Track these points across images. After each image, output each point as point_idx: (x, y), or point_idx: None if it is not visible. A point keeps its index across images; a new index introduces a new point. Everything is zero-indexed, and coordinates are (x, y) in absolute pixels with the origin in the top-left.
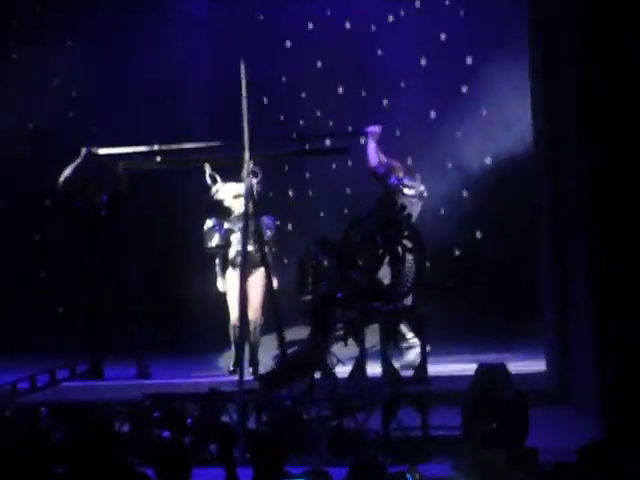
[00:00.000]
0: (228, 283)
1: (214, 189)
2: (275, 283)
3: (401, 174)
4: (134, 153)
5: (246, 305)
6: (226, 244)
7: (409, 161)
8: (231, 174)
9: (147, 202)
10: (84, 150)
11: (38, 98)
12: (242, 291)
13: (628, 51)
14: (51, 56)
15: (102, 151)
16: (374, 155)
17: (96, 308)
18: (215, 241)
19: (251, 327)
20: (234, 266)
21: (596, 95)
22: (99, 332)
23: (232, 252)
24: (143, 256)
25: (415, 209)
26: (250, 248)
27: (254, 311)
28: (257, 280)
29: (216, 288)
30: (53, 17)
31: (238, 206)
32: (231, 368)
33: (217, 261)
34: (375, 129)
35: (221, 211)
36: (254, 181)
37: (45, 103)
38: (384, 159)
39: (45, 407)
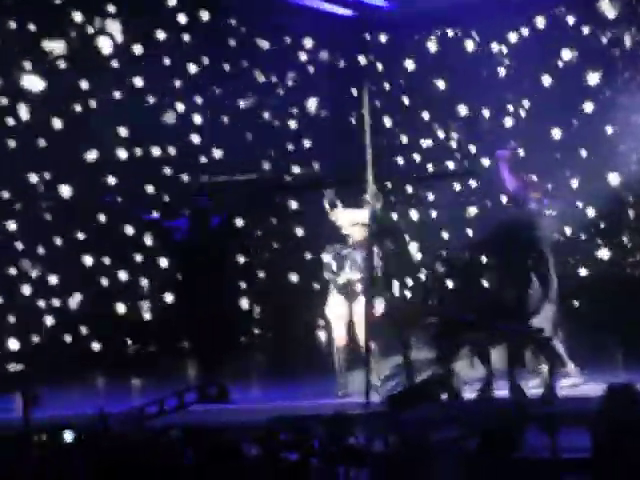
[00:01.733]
0: (335, 309)
1: (333, 215)
2: (378, 311)
3: (539, 195)
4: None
5: (357, 331)
6: (339, 271)
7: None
8: (353, 200)
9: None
10: None
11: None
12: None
13: None
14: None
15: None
16: (510, 179)
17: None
18: (332, 267)
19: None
20: (343, 293)
21: None
22: (219, 355)
23: (342, 279)
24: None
25: (552, 230)
26: (358, 276)
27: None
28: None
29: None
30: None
31: (356, 233)
32: (339, 393)
33: (330, 287)
34: (505, 152)
35: (340, 238)
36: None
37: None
38: (520, 182)
39: (174, 430)
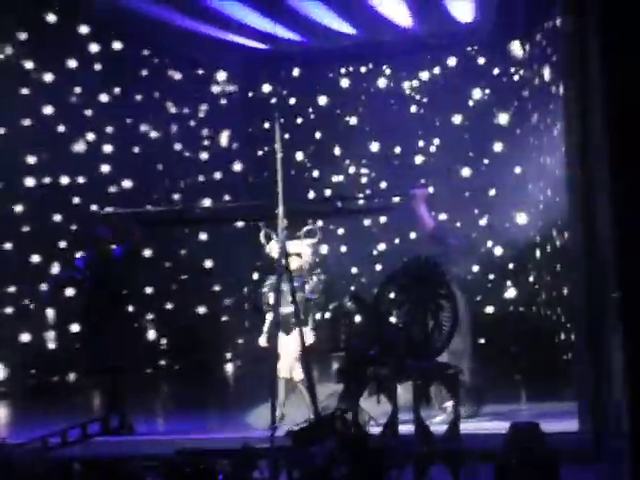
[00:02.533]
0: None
1: (268, 248)
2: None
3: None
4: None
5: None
6: (277, 303)
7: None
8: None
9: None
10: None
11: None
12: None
13: None
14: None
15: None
16: (428, 217)
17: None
18: (269, 300)
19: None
20: (282, 326)
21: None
22: (123, 387)
23: (280, 312)
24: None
25: (461, 267)
26: (293, 309)
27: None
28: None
29: (259, 344)
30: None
31: (293, 265)
32: (275, 424)
33: (267, 318)
34: (423, 191)
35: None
36: (311, 241)
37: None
38: (434, 219)
39: (77, 462)
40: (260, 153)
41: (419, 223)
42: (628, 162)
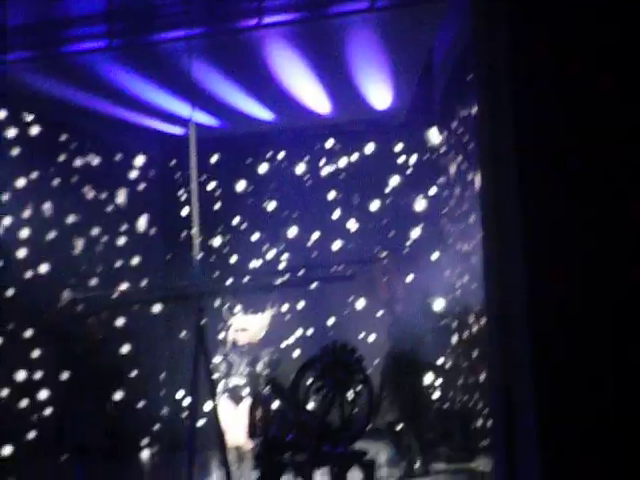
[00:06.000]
0: (224, 411)
1: (230, 321)
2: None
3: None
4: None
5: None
6: (227, 374)
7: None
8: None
9: None
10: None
11: None
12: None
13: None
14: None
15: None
16: (395, 280)
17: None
18: (221, 371)
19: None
20: (232, 395)
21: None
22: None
23: (232, 383)
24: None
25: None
26: (242, 381)
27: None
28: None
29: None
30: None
31: (242, 338)
32: None
33: (218, 389)
34: (386, 256)
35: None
36: (261, 315)
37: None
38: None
39: None
40: (178, 238)
41: (387, 288)
42: (541, 251)
